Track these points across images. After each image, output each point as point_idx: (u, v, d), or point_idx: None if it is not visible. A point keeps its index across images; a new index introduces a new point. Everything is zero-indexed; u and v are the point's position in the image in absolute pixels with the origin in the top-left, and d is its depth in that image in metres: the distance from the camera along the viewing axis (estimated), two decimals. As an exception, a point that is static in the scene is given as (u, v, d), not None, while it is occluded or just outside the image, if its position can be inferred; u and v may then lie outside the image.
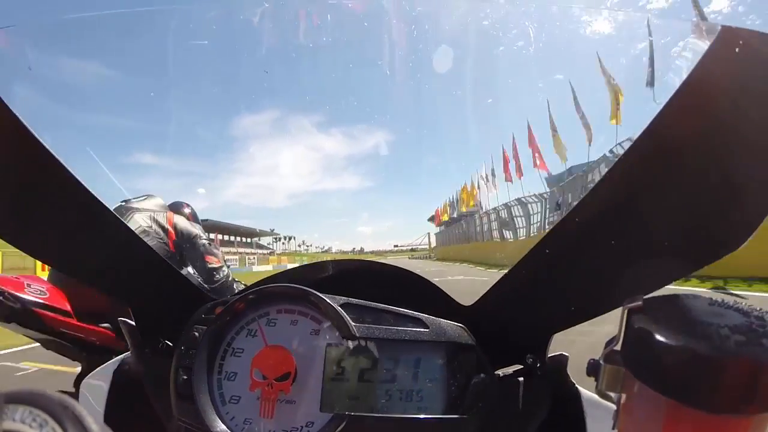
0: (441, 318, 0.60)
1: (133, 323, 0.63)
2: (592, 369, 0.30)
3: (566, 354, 0.59)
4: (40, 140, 0.47)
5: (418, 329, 0.58)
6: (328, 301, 0.57)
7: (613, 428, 0.29)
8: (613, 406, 0.30)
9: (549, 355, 0.59)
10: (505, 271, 0.60)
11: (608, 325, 0.37)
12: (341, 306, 0.58)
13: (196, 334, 0.58)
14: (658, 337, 0.25)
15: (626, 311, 0.28)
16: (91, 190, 0.53)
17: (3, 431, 0.18)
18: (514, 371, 0.61)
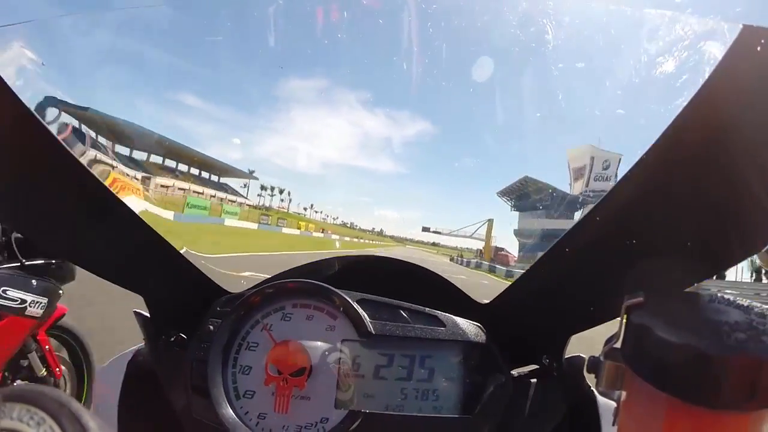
0: (457, 316, 0.60)
1: (147, 314, 0.64)
2: (593, 366, 0.30)
3: (583, 356, 0.57)
4: (56, 136, 0.48)
5: (434, 327, 0.57)
6: (344, 296, 0.58)
7: (614, 425, 0.29)
8: None
9: (565, 357, 0.58)
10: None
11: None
12: (357, 302, 0.58)
13: (211, 327, 0.59)
14: (659, 334, 0.25)
15: (626, 308, 0.28)
16: (102, 182, 0.53)
17: (1, 429, 0.19)
18: (529, 371, 0.61)
